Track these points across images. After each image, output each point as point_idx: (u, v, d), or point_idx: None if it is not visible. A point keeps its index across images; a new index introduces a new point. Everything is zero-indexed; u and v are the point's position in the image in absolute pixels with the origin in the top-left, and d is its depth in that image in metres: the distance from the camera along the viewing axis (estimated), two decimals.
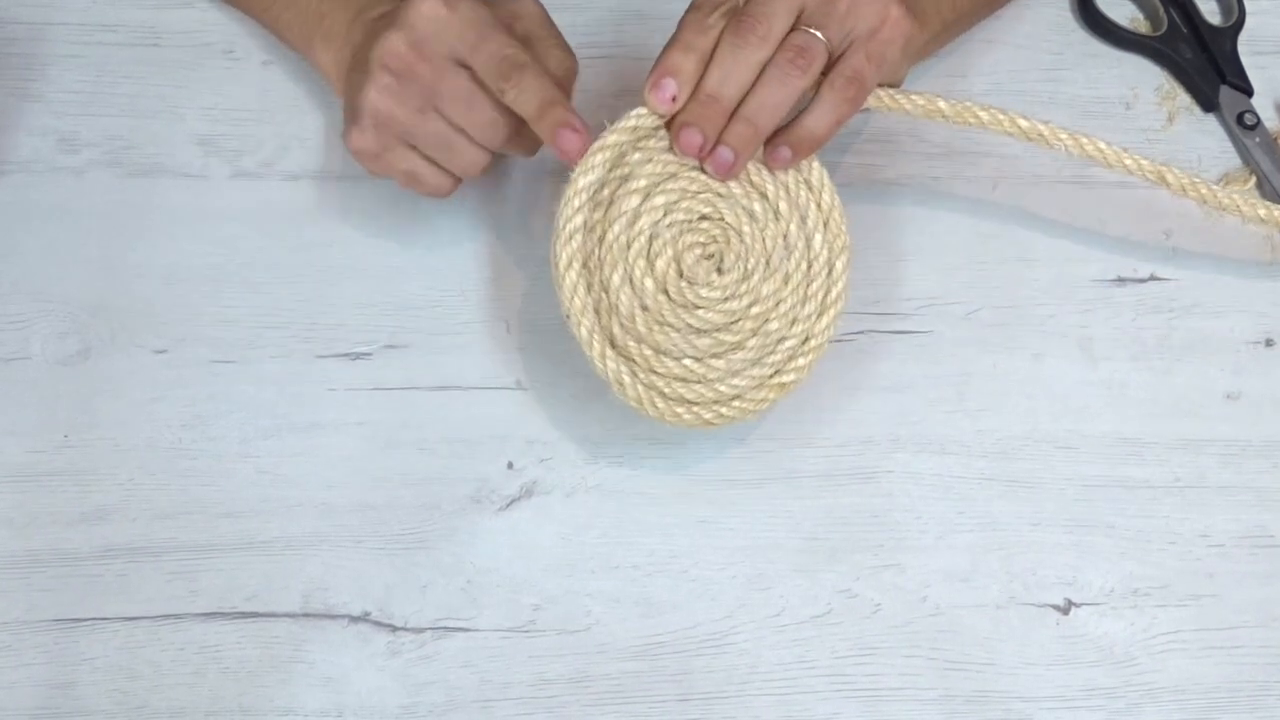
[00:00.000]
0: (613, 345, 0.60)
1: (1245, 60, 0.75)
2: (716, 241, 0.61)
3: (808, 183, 0.61)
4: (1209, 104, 0.74)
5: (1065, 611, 0.62)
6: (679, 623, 0.61)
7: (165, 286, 0.66)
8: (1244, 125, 0.73)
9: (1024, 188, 0.71)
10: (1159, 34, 0.76)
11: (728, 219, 0.61)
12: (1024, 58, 0.75)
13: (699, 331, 0.60)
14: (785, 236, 0.61)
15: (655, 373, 0.60)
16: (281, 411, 0.63)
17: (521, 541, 0.62)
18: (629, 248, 0.60)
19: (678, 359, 0.60)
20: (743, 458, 0.64)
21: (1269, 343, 0.68)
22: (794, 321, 0.61)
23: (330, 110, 0.70)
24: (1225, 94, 0.74)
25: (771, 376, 0.61)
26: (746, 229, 0.61)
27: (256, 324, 0.65)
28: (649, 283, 0.60)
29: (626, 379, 0.59)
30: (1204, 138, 0.74)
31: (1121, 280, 0.69)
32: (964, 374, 0.66)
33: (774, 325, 0.61)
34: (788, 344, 0.61)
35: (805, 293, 0.61)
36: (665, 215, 0.60)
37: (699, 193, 0.61)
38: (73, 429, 0.62)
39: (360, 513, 0.62)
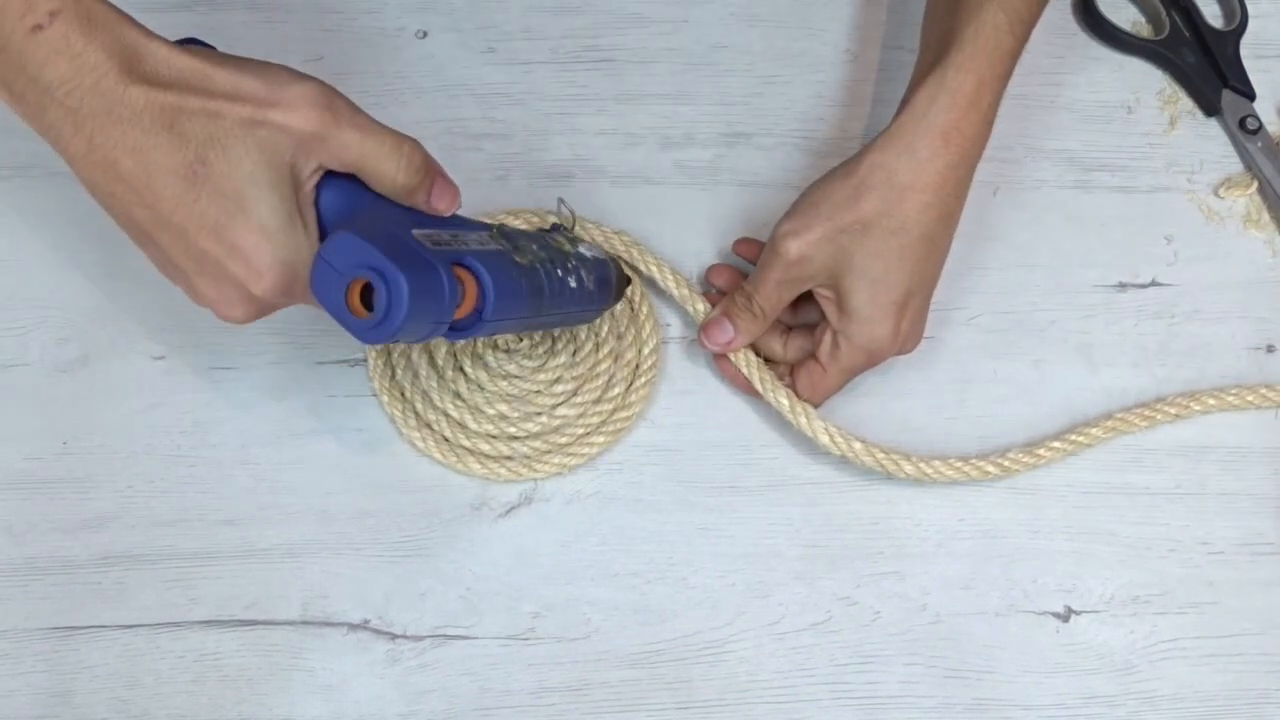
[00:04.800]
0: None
1: (1247, 64, 0.74)
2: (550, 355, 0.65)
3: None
4: (1211, 108, 0.74)
5: (1065, 619, 0.62)
6: (678, 630, 0.61)
7: (164, 292, 0.65)
8: (1246, 130, 0.73)
9: (1025, 193, 0.71)
10: (1161, 37, 0.75)
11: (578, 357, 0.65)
12: (1025, 61, 0.73)
13: (467, 377, 0.64)
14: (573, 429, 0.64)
15: (419, 375, 0.64)
16: (280, 418, 0.63)
17: (521, 549, 0.62)
18: None
19: (438, 380, 0.64)
20: (742, 465, 0.64)
21: (1270, 349, 0.68)
22: (522, 435, 0.63)
23: None
24: (1227, 98, 0.74)
25: (461, 446, 0.63)
26: (571, 389, 0.64)
27: (255, 330, 0.64)
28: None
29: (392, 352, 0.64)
30: (1206, 142, 0.73)
31: (1123, 286, 0.69)
32: (964, 380, 0.66)
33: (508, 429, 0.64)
34: (506, 462, 0.63)
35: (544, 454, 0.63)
36: None
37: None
38: (71, 436, 0.62)
39: (359, 520, 0.62)
